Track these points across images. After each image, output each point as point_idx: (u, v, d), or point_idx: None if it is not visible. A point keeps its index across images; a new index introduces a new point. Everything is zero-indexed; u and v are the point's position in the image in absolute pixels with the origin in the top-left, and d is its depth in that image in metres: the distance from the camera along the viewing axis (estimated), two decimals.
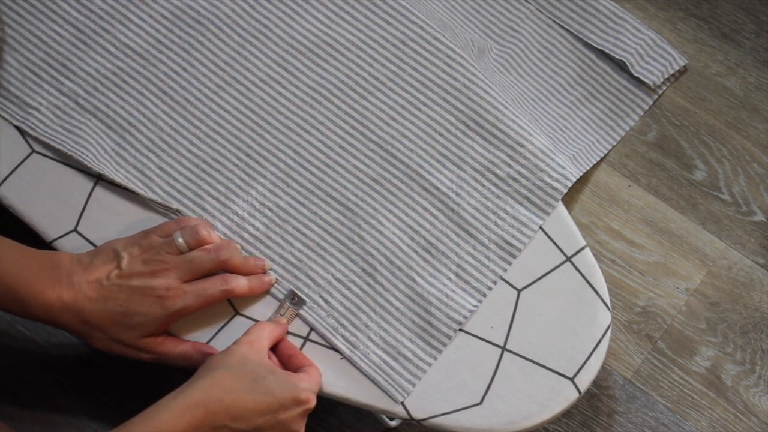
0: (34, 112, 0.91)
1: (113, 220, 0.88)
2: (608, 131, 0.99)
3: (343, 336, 0.86)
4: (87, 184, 0.89)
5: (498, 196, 0.90)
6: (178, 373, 0.90)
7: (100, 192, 0.89)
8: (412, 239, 0.89)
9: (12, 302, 0.81)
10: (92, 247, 0.87)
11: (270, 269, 0.88)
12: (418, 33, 0.94)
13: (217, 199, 0.89)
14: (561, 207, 0.90)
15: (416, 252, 0.88)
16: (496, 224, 0.89)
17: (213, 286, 0.84)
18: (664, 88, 1.01)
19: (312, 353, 0.85)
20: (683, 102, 1.01)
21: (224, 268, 0.85)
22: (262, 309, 0.86)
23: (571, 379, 0.84)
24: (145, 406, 0.89)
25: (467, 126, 0.92)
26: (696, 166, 0.99)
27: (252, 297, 0.86)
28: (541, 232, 0.89)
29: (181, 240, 0.84)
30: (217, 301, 0.84)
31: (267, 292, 0.87)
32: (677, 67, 1.01)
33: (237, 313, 0.86)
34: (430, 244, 0.89)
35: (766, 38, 1.04)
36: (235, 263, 0.85)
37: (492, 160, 0.91)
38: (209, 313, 0.85)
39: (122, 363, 0.90)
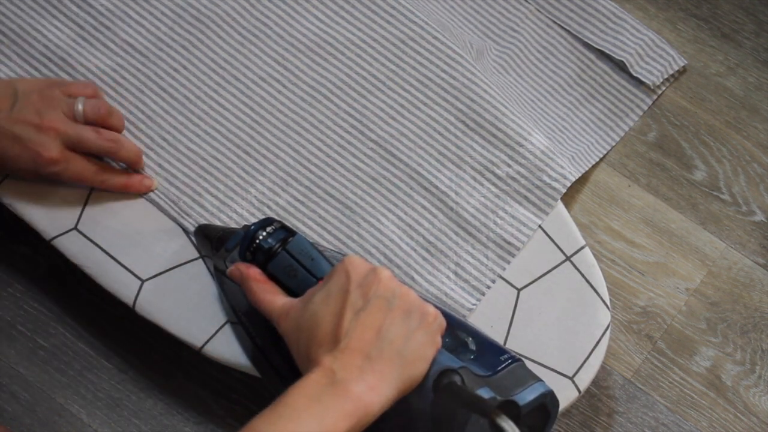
0: None
1: (113, 218, 0.88)
2: (608, 131, 0.99)
3: None
4: None
5: (497, 196, 0.90)
6: (178, 372, 0.90)
7: (100, 190, 0.89)
8: (411, 238, 0.89)
9: None
10: (95, 247, 0.87)
11: (156, 189, 0.89)
12: (417, 32, 0.94)
13: (216, 197, 0.90)
14: (561, 206, 0.90)
15: (415, 250, 0.88)
16: (495, 223, 0.89)
17: (91, 173, 0.85)
18: (664, 88, 1.01)
19: None
20: (683, 102, 1.01)
21: (109, 157, 0.87)
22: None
23: (571, 379, 0.84)
24: (143, 406, 0.89)
25: (467, 125, 0.92)
26: (696, 166, 0.99)
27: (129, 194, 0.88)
28: (540, 231, 0.89)
29: (80, 107, 0.85)
30: (89, 185, 0.86)
31: (143, 195, 0.89)
32: (676, 68, 1.01)
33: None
34: (429, 242, 0.89)
35: (766, 38, 1.04)
36: (123, 156, 0.86)
37: (491, 159, 0.91)
38: (209, 313, 0.85)
39: (122, 363, 0.90)
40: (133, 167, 0.89)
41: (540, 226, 0.89)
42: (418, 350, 0.70)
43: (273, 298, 0.76)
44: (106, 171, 0.86)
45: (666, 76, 1.01)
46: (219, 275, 0.83)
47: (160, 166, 0.90)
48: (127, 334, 0.91)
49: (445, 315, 0.76)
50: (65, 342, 0.91)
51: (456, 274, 0.88)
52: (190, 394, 0.89)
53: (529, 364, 0.84)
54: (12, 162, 0.83)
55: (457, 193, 0.90)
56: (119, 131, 0.88)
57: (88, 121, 0.85)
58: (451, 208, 0.89)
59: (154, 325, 0.85)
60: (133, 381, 0.90)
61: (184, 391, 0.89)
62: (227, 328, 0.85)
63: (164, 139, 0.91)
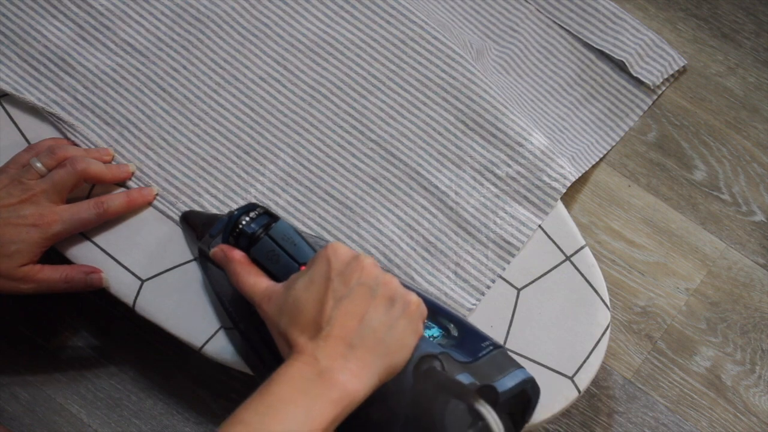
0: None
1: (113, 218, 0.88)
2: (608, 131, 0.99)
3: None
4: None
5: (497, 196, 0.90)
6: (178, 372, 0.90)
7: (100, 190, 0.89)
8: (411, 237, 0.89)
9: None
10: (95, 247, 0.87)
11: (135, 172, 0.89)
12: (417, 32, 0.94)
13: (215, 197, 0.90)
14: (560, 206, 0.90)
15: (415, 250, 0.88)
16: (495, 223, 0.89)
17: (87, 210, 0.85)
18: (664, 88, 1.01)
19: None
20: (683, 102, 1.01)
21: (87, 180, 0.86)
22: None
23: (571, 378, 0.84)
24: (143, 406, 0.89)
25: (466, 125, 0.92)
26: (696, 166, 0.99)
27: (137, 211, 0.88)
28: (540, 231, 0.89)
29: (39, 164, 0.84)
30: (95, 224, 0.85)
31: (151, 204, 0.88)
32: (676, 68, 1.01)
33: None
34: (429, 242, 0.89)
35: (766, 38, 1.04)
36: (95, 172, 0.86)
37: (491, 159, 0.91)
38: (209, 313, 0.85)
39: (122, 363, 0.90)
40: (119, 178, 0.88)
41: (540, 226, 0.89)
42: (400, 339, 0.71)
43: (256, 280, 0.75)
44: (103, 201, 0.86)
45: (666, 76, 1.01)
46: (203, 261, 0.83)
47: (159, 166, 0.90)
48: (127, 334, 0.91)
49: (427, 301, 0.76)
50: (65, 342, 0.91)
51: (456, 274, 0.88)
52: (190, 394, 0.89)
53: (528, 364, 0.84)
54: (18, 244, 0.81)
55: (457, 193, 0.90)
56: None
57: (53, 168, 0.85)
58: (451, 208, 0.89)
59: (154, 325, 0.85)
60: (133, 381, 0.90)
61: (184, 391, 0.89)
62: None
63: (164, 139, 0.91)
